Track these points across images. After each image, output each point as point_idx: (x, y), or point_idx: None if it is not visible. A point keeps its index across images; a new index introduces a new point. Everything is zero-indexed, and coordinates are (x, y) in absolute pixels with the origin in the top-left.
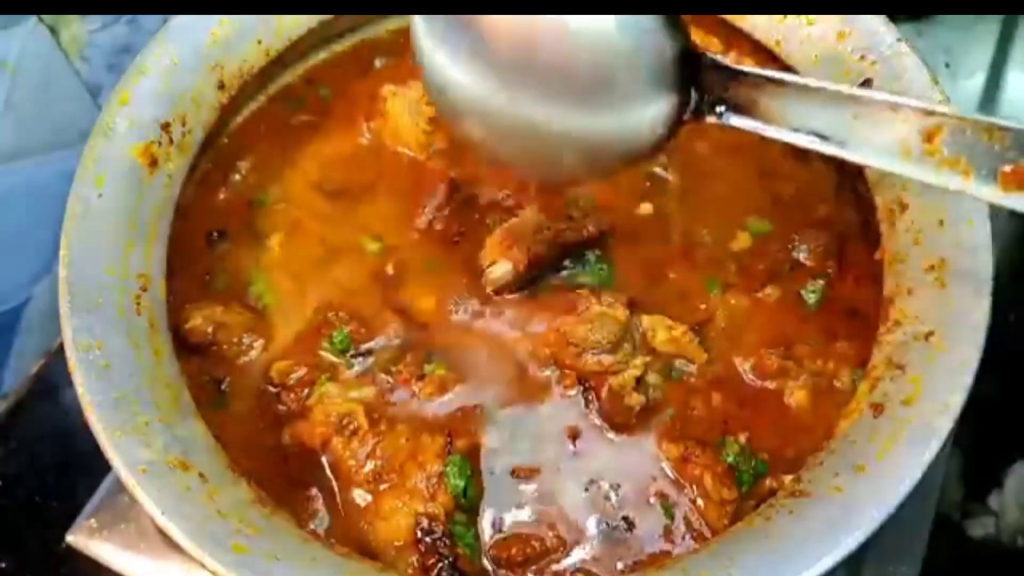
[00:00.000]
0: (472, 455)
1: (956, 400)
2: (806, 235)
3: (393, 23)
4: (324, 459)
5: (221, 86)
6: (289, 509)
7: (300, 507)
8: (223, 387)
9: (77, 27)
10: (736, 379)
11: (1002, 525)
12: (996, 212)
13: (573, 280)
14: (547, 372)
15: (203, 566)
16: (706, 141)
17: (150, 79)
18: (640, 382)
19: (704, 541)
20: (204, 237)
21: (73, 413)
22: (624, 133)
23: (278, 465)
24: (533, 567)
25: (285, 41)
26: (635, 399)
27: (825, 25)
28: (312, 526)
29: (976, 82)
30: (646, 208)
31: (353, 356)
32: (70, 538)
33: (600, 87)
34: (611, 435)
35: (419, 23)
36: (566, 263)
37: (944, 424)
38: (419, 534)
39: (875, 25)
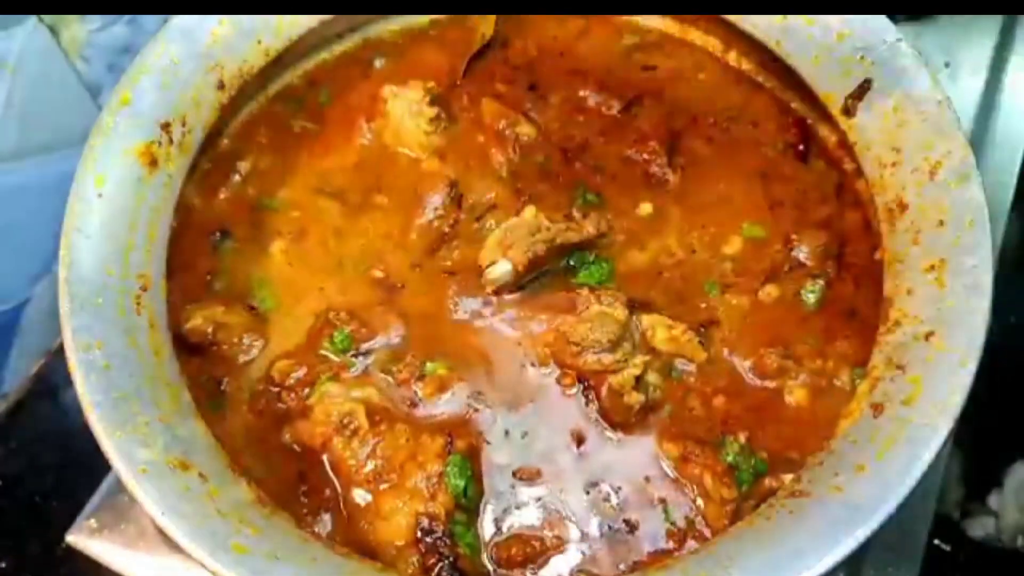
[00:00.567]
0: (472, 455)
1: (956, 400)
2: (806, 235)
3: (393, 23)
4: (324, 459)
5: (221, 86)
6: (289, 509)
7: (300, 507)
8: (223, 387)
9: (77, 27)
10: (736, 378)
11: (1002, 525)
12: (997, 212)
13: (573, 279)
14: (547, 371)
15: (203, 566)
16: (707, 141)
17: (150, 79)
18: (640, 381)
19: (704, 541)
20: (205, 237)
21: (73, 413)
22: None
23: (278, 465)
24: (533, 567)
25: (285, 41)
26: (635, 398)
27: (825, 25)
28: (312, 526)
29: (976, 82)
30: (646, 208)
31: (354, 356)
32: (70, 538)
33: None
34: (611, 434)
35: None
36: (566, 263)
37: (944, 424)
38: (419, 534)
39: (875, 25)
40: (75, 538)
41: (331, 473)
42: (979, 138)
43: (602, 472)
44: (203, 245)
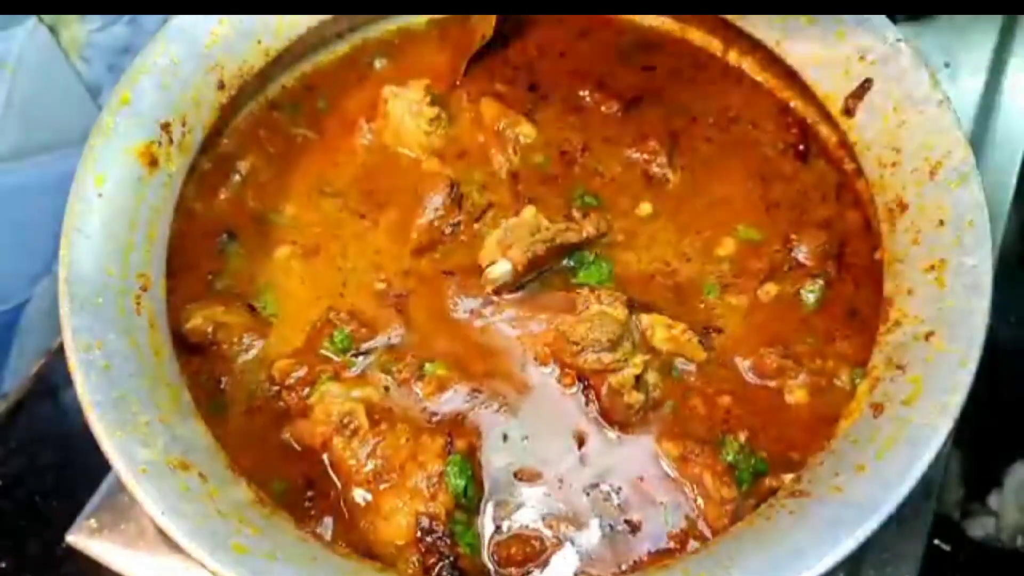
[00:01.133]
0: (472, 455)
1: (956, 400)
2: (806, 235)
3: (393, 23)
4: (325, 458)
5: (221, 86)
6: (289, 509)
7: (300, 507)
8: (223, 387)
9: (77, 27)
10: (736, 378)
11: (1002, 525)
12: (997, 212)
13: (572, 279)
14: (547, 371)
15: (203, 566)
16: (707, 141)
17: (150, 79)
18: (639, 380)
19: (704, 541)
20: (209, 239)
21: (73, 413)
22: None
23: (278, 465)
24: (533, 566)
25: (285, 41)
26: (634, 397)
27: (825, 25)
28: (312, 526)
29: (976, 82)
30: (646, 208)
31: (354, 355)
32: (70, 538)
33: None
34: (611, 433)
35: None
36: (565, 262)
37: (944, 424)
38: (420, 533)
39: (875, 25)
40: (75, 538)
41: (331, 473)
42: (979, 138)
43: (602, 472)
44: (207, 246)
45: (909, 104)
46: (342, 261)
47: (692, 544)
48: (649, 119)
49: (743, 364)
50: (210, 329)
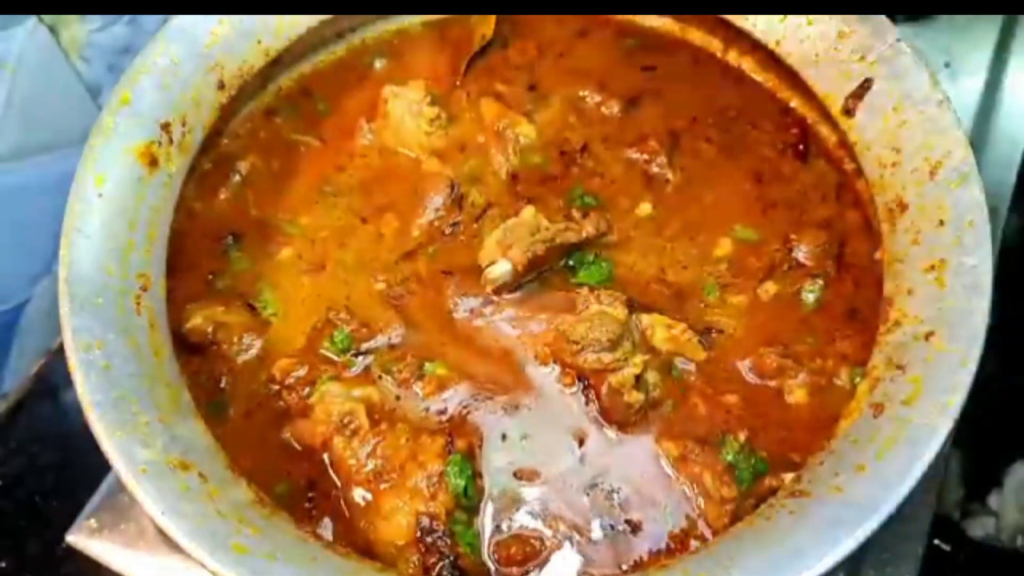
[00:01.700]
0: (472, 454)
1: (956, 400)
2: (806, 235)
3: (393, 23)
4: (325, 458)
5: (221, 86)
6: (289, 509)
7: (300, 507)
8: (223, 387)
9: (77, 27)
10: (736, 378)
11: (1002, 525)
12: (996, 212)
13: (572, 279)
14: (547, 370)
15: (203, 566)
16: (707, 142)
17: (150, 79)
18: (639, 380)
19: (704, 541)
20: (206, 237)
21: (73, 413)
22: None
23: (278, 465)
24: (533, 566)
25: (285, 41)
26: (634, 397)
27: (825, 25)
28: (312, 526)
29: (976, 82)
30: (645, 208)
31: (354, 355)
32: (70, 538)
33: None
34: (611, 433)
35: None
36: (565, 262)
37: (944, 424)
38: (420, 533)
39: (875, 25)
40: (75, 538)
41: (332, 473)
42: (979, 138)
43: (602, 471)
44: (207, 246)
45: (909, 104)
46: (342, 261)
47: (692, 544)
48: (649, 119)
49: (743, 364)
50: (210, 329)
